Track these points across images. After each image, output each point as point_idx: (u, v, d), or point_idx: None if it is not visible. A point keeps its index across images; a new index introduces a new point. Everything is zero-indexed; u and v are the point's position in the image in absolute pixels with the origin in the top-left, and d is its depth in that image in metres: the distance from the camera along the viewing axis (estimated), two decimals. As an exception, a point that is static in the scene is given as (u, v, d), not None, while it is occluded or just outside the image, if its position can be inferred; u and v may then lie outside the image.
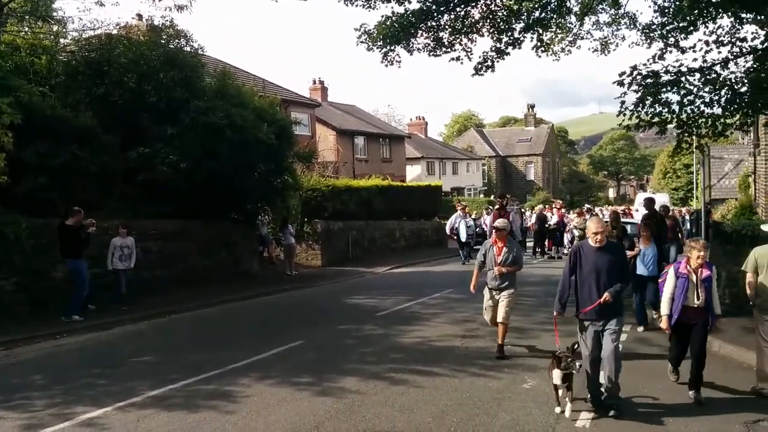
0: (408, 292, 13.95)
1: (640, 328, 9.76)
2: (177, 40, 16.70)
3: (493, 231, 8.53)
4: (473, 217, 23.50)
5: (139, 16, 21.65)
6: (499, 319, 8.14)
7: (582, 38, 17.10)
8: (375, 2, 15.76)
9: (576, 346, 6.13)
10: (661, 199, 32.48)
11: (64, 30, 17.32)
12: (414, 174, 46.27)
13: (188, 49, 16.76)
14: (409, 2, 15.95)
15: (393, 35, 15.83)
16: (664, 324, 6.47)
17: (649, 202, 12.15)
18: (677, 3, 11.69)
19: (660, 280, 7.01)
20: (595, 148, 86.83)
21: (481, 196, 51.83)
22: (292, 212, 20.16)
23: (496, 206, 17.79)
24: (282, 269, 18.11)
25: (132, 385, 6.96)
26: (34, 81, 13.68)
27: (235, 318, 11.81)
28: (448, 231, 22.34)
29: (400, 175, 40.95)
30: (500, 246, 8.20)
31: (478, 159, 58.29)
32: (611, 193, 78.55)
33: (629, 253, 9.48)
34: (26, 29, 17.32)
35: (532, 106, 67.98)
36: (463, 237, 21.10)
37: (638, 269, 9.80)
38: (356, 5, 15.89)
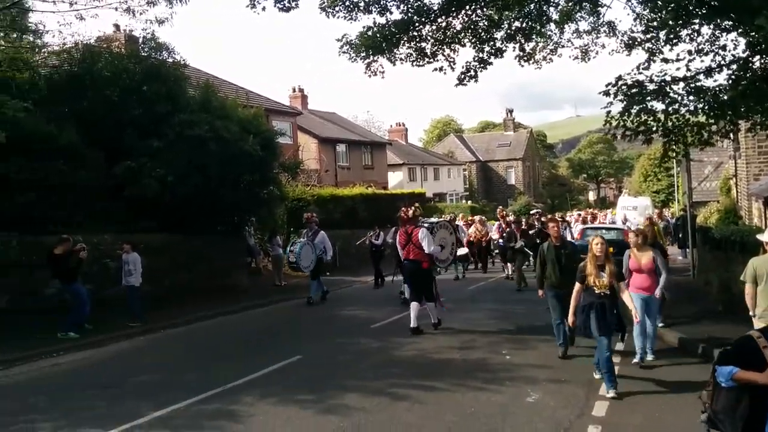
0: (398, 301, 13.98)
1: None
2: (159, 53, 16.58)
3: None
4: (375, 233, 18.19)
5: (117, 27, 21.43)
6: None
7: (563, 46, 17.33)
8: (356, 13, 15.83)
9: None
10: (644, 202, 32.69)
11: (44, 43, 17.11)
12: (396, 180, 46.40)
13: (171, 61, 16.68)
14: (391, 13, 16.08)
15: (375, 46, 15.93)
16: None
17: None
18: (660, 16, 11.91)
19: None
20: (573, 152, 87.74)
21: (464, 201, 52.13)
22: (278, 223, 20.14)
23: (401, 216, 11.20)
24: (271, 280, 18.05)
25: (134, 407, 6.90)
26: (16, 96, 13.48)
27: (229, 332, 11.77)
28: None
29: (382, 181, 41.04)
30: None
31: (458, 164, 58.61)
32: (591, 196, 79.46)
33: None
34: (2, 43, 17.07)
35: (511, 111, 68.60)
36: (306, 265, 14.33)
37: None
38: (337, 17, 15.95)
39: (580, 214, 31.54)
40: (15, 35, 17.82)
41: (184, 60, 17.44)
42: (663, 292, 8.59)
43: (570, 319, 7.42)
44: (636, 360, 8.14)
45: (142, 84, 15.47)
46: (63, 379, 8.44)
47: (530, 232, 16.79)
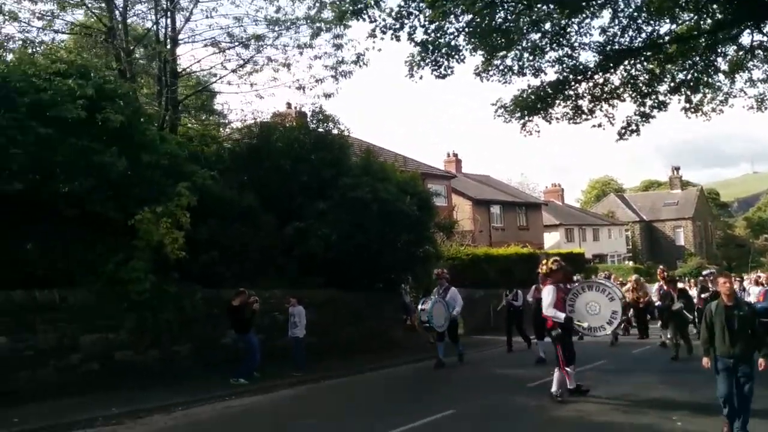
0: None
1: None
2: (326, 124, 18.02)
3: None
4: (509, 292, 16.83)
5: (289, 105, 23.58)
6: None
7: (734, 96, 16.37)
8: (510, 77, 16.19)
9: None
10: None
11: (229, 121, 19.44)
12: (552, 241, 45.09)
13: (335, 131, 18.03)
14: (545, 74, 16.21)
15: (530, 107, 16.09)
16: None
17: None
18: None
19: None
20: (752, 210, 79.54)
21: (626, 262, 49.15)
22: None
23: (543, 270, 10.49)
24: (425, 338, 18.16)
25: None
26: (204, 166, 15.34)
27: (385, 385, 12.08)
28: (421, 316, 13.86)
29: (537, 242, 40.08)
30: None
31: (620, 224, 55.70)
32: (776, 259, 70.87)
33: None
34: (193, 122, 19.61)
35: (677, 169, 64.72)
36: (440, 324, 13.58)
37: None
38: (492, 81, 16.39)
39: (759, 276, 28.00)
40: (204, 116, 20.52)
41: (347, 129, 18.76)
42: None
43: None
44: None
45: (310, 153, 16.83)
46: (235, 420, 9.18)
47: (703, 295, 15.04)
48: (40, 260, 10.98)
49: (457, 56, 14.71)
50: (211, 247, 13.26)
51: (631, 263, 48.56)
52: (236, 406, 10.07)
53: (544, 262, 10.71)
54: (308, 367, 12.59)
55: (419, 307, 13.91)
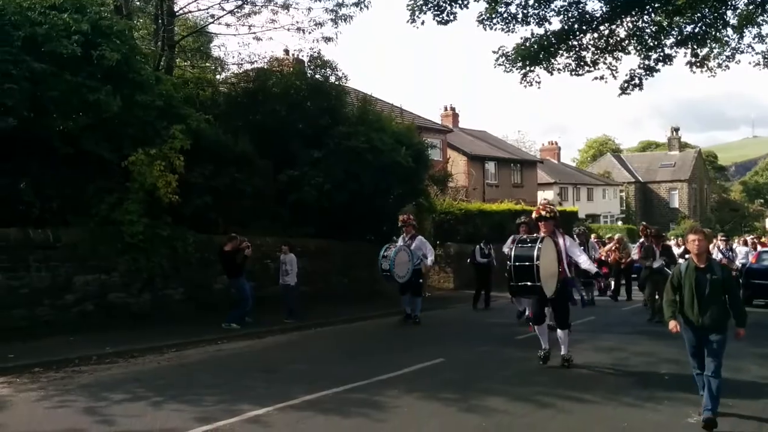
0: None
1: None
2: (323, 70, 17.71)
3: None
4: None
5: (286, 51, 23.02)
6: None
7: (741, 52, 16.14)
8: (513, 25, 15.85)
9: None
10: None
11: (225, 65, 19.06)
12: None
13: (333, 78, 17.73)
14: (549, 23, 15.88)
15: (532, 56, 15.79)
16: None
17: None
18: None
19: None
20: (749, 174, 79.81)
21: (619, 223, 49.40)
22: (425, 234, 20.45)
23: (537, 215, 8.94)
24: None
25: (287, 390, 7.38)
26: (199, 110, 15.08)
27: (376, 333, 12.25)
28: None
29: (531, 200, 40.06)
30: None
31: (615, 185, 55.75)
32: (768, 224, 71.45)
33: None
34: (190, 66, 19.19)
35: (677, 129, 64.28)
36: (401, 274, 12.45)
37: None
38: (495, 29, 16.04)
39: (749, 239, 27.97)
40: (200, 60, 20.08)
41: (345, 76, 18.43)
42: None
43: None
44: None
45: (307, 100, 16.67)
46: (226, 362, 9.27)
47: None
48: (35, 199, 10.90)
49: (460, 1, 14.36)
50: (204, 191, 13.18)
51: (620, 223, 48.84)
52: (227, 350, 10.19)
53: (539, 206, 10.28)
54: (300, 315, 12.70)
55: (381, 254, 12.41)
